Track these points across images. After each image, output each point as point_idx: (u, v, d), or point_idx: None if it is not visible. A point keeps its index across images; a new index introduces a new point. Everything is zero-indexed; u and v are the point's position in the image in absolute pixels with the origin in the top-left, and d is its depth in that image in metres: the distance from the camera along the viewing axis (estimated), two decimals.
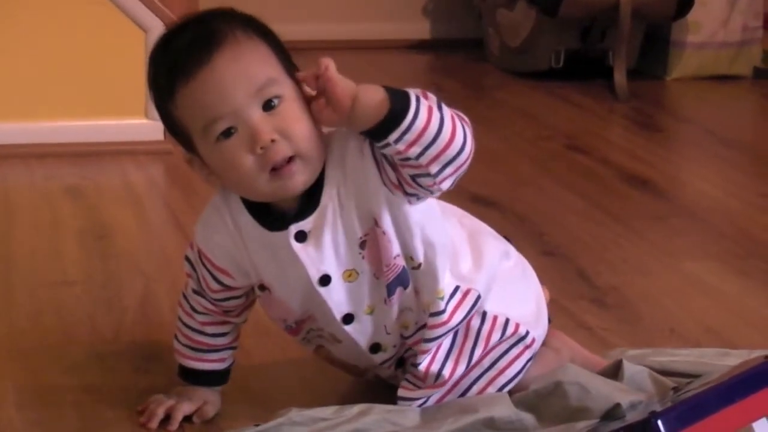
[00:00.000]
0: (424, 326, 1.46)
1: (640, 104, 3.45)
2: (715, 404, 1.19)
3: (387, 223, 1.40)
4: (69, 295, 1.91)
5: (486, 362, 1.49)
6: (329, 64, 1.34)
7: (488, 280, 1.49)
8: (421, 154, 1.33)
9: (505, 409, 1.43)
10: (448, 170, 1.35)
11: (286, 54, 1.41)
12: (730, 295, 1.98)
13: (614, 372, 1.53)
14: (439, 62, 4.05)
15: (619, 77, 3.50)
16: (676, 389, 1.42)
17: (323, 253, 1.40)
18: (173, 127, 1.41)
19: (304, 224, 1.40)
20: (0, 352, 1.71)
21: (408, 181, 1.36)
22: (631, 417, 1.18)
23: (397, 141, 1.32)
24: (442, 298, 1.44)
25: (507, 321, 1.49)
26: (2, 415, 1.52)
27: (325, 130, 1.40)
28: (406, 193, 1.38)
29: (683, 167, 2.96)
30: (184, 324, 1.53)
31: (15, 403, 1.55)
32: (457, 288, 1.46)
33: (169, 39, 1.40)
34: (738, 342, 1.74)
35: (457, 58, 4.02)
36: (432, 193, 1.39)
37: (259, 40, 1.39)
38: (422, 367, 1.46)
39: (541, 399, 1.46)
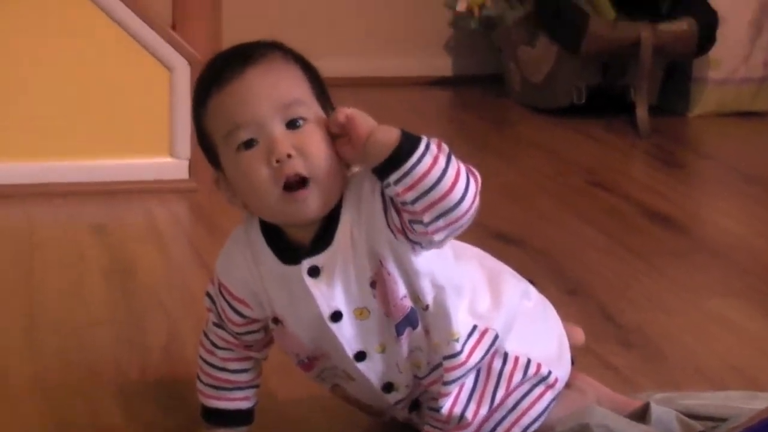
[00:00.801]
0: (438, 366, 1.46)
1: (662, 140, 3.45)
2: None
3: (391, 264, 1.40)
4: (93, 334, 1.92)
5: (509, 403, 1.49)
6: (351, 112, 1.36)
7: (508, 319, 1.49)
8: (417, 200, 1.33)
9: None
10: (441, 222, 1.35)
11: (321, 86, 1.44)
12: (754, 332, 1.97)
13: (642, 414, 1.52)
14: (461, 98, 4.06)
15: (641, 113, 3.50)
16: None
17: (335, 289, 1.41)
18: (203, 138, 1.44)
19: (317, 259, 1.40)
20: (26, 391, 1.71)
21: (408, 226, 1.37)
22: None
23: (396, 182, 1.33)
24: (457, 340, 1.44)
25: (528, 361, 1.49)
26: None
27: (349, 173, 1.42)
28: (409, 239, 1.39)
29: (705, 204, 2.95)
30: (206, 362, 1.53)
31: None
32: (474, 327, 1.46)
33: (214, 58, 1.44)
34: (763, 380, 1.74)
35: (478, 93, 4.02)
36: (429, 243, 1.39)
37: (296, 65, 1.42)
38: (445, 409, 1.46)
39: None
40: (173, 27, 2.75)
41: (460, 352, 1.44)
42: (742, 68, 3.71)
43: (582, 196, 2.86)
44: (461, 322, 1.44)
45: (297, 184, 1.36)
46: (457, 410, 1.46)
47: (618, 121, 3.60)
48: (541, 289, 2.15)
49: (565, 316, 2.02)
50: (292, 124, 1.38)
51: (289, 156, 1.36)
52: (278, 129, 1.37)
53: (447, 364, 1.45)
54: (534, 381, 1.49)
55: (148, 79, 2.71)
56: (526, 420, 1.49)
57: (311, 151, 1.37)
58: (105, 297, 2.09)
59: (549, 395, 1.50)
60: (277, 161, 1.36)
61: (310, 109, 1.39)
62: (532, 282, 1.62)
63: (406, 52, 4.14)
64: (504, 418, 1.48)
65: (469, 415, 1.47)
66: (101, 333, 1.93)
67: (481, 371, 1.47)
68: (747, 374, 1.78)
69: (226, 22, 2.92)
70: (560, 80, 3.66)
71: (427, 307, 1.43)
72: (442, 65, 4.20)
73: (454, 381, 1.45)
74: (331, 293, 1.41)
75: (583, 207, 2.76)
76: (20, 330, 1.94)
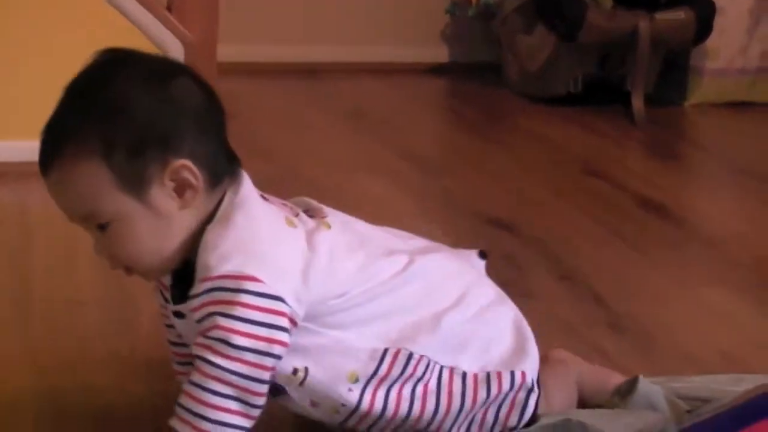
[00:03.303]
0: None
1: (658, 130, 3.45)
2: (730, 427, 1.19)
3: None
4: (84, 312, 1.92)
5: (489, 419, 1.46)
6: None
7: (446, 339, 1.45)
8: None
9: None
10: None
11: (136, 152, 1.36)
12: (745, 322, 1.98)
13: (629, 388, 1.52)
14: (457, 86, 4.05)
15: (637, 103, 3.50)
16: (690, 412, 1.41)
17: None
18: None
19: (180, 307, 1.40)
20: (17, 369, 1.71)
21: None
22: None
23: None
24: (351, 389, 1.41)
25: (488, 375, 1.45)
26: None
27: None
28: None
29: (700, 194, 2.96)
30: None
31: (33, 420, 1.56)
32: (385, 351, 1.41)
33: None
34: (751, 366, 1.74)
35: (474, 82, 4.02)
36: None
37: (89, 160, 1.35)
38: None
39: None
40: (168, 8, 2.74)
41: (360, 400, 1.41)
42: (739, 59, 3.71)
43: (577, 184, 2.86)
44: (351, 375, 1.41)
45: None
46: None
47: (614, 110, 3.61)
48: (534, 274, 2.17)
49: (557, 299, 2.03)
50: (100, 228, 1.38)
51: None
52: (94, 233, 1.40)
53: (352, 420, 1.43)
54: (506, 391, 1.46)
55: None
56: (513, 420, 1.48)
57: (118, 253, 1.39)
58: (96, 276, 2.08)
59: (522, 395, 1.46)
60: None
61: (111, 207, 1.36)
62: (482, 253, 1.59)
63: (403, 38, 4.14)
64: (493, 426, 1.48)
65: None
66: (92, 312, 1.93)
67: (441, 394, 1.44)
68: (738, 362, 1.79)
69: (224, 3, 2.92)
70: (557, 69, 3.66)
71: (305, 372, 1.40)
72: (439, 53, 4.20)
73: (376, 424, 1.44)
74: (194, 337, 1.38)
75: (578, 195, 2.76)
76: (11, 307, 1.94)
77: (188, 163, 1.36)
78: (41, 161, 1.38)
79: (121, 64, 1.39)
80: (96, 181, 1.35)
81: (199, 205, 1.39)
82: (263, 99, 3.70)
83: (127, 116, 1.35)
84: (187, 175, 1.37)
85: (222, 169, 1.41)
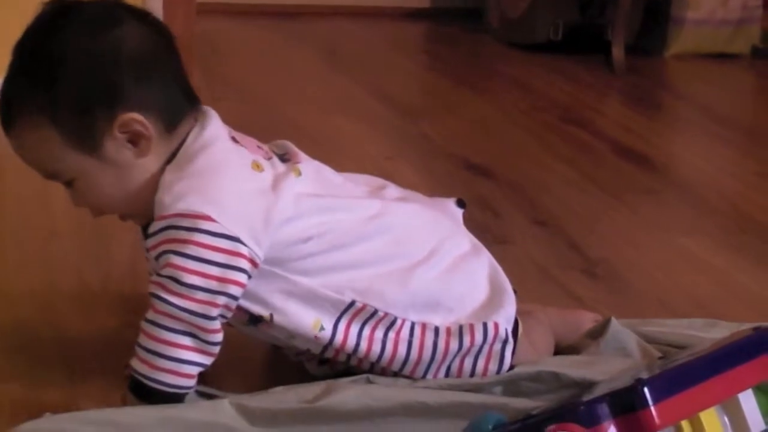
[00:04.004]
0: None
1: (637, 79, 3.44)
2: (703, 374, 1.18)
3: None
4: (57, 246, 1.91)
5: (467, 368, 1.45)
6: None
7: (418, 296, 1.43)
8: None
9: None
10: None
11: (81, 111, 1.37)
12: (720, 269, 1.98)
13: (601, 330, 1.52)
14: (438, 31, 4.03)
15: (617, 52, 3.49)
16: (662, 358, 1.41)
17: None
18: None
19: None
20: None
21: None
22: (618, 384, 1.18)
23: None
24: (322, 328, 1.40)
25: (461, 328, 1.43)
26: None
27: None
28: None
29: (678, 143, 2.95)
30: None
31: (0, 350, 1.55)
32: (351, 303, 1.40)
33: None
34: (726, 316, 1.74)
35: (455, 28, 4.00)
36: None
37: (44, 126, 1.37)
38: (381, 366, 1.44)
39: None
40: None
41: (333, 337, 1.41)
42: (720, 10, 3.70)
43: (555, 132, 2.85)
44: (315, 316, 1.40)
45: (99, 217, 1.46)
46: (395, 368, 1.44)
47: (594, 59, 3.59)
48: (510, 218, 2.16)
49: (533, 246, 2.03)
50: (68, 184, 1.41)
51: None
52: (64, 187, 1.43)
53: (328, 352, 1.43)
54: (479, 344, 1.44)
55: None
56: (492, 371, 1.46)
57: (88, 203, 1.43)
58: (70, 210, 2.06)
59: (497, 347, 1.45)
60: None
61: (70, 166, 1.39)
62: (460, 202, 1.57)
63: None
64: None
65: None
66: (64, 244, 1.91)
67: (413, 343, 1.43)
68: (711, 310, 1.78)
69: None
70: (538, 16, 3.64)
71: (270, 317, 1.40)
72: None
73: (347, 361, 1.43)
74: None
75: (556, 143, 2.75)
76: None
77: (135, 115, 1.37)
78: (3, 122, 1.40)
79: (61, 19, 1.38)
80: (49, 144, 1.37)
81: (159, 150, 1.40)
82: (241, 39, 3.68)
83: (66, 77, 1.36)
84: (136, 126, 1.37)
85: (178, 111, 1.41)
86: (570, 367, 1.45)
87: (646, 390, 1.13)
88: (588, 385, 1.37)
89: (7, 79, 1.39)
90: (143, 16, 1.41)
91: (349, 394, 1.36)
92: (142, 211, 1.39)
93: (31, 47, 1.39)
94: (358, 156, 2.47)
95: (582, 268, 1.95)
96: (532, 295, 1.65)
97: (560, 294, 1.81)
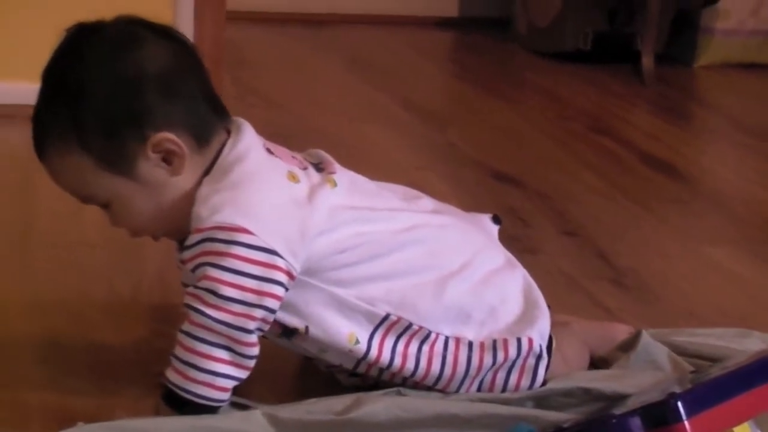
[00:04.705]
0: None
1: (666, 89, 3.43)
2: (737, 388, 1.17)
3: None
4: (88, 256, 1.92)
5: (499, 382, 1.45)
6: None
7: (450, 310, 1.43)
8: None
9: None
10: None
11: (109, 136, 1.38)
12: (748, 280, 1.97)
13: (632, 343, 1.52)
14: (466, 40, 4.03)
15: (646, 62, 3.48)
16: (695, 372, 1.41)
17: None
18: None
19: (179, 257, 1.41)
20: (19, 308, 1.71)
21: None
22: (649, 397, 1.18)
23: None
24: (357, 342, 1.41)
25: (494, 342, 1.43)
26: (20, 370, 1.53)
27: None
28: None
29: (706, 153, 2.95)
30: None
31: (32, 359, 1.56)
32: (386, 316, 1.41)
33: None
34: (754, 325, 1.73)
35: (483, 36, 4.00)
36: None
37: (74, 152, 1.38)
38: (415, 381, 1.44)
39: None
40: None
41: (368, 351, 1.41)
42: (751, 20, 3.68)
43: (583, 141, 2.85)
44: (349, 328, 1.41)
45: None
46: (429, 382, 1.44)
47: (623, 69, 3.59)
48: (539, 228, 2.16)
49: (561, 254, 2.03)
50: (104, 206, 1.43)
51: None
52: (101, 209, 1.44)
53: (361, 367, 1.43)
54: (512, 358, 1.43)
55: (151, 1, 2.68)
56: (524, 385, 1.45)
57: (125, 225, 1.45)
58: (101, 219, 2.08)
59: (530, 361, 1.44)
60: None
61: (104, 190, 1.40)
62: (496, 218, 1.57)
63: None
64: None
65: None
66: (96, 255, 1.92)
67: (447, 358, 1.42)
68: (739, 320, 1.78)
69: None
70: (567, 25, 3.64)
71: (306, 329, 1.40)
72: (448, 6, 4.17)
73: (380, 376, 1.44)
74: None
75: (584, 152, 2.75)
76: (15, 248, 1.95)
77: (166, 134, 1.38)
78: (36, 150, 1.43)
79: (83, 43, 1.40)
80: (81, 170, 1.39)
81: (193, 166, 1.40)
82: (268, 47, 3.69)
83: (90, 102, 1.37)
84: (169, 145, 1.38)
85: (208, 125, 1.41)
86: (601, 381, 1.45)
87: (679, 404, 1.13)
88: (619, 398, 1.37)
89: (37, 107, 1.42)
90: (165, 33, 1.42)
91: (379, 405, 1.36)
92: (179, 228, 1.39)
93: (55, 74, 1.41)
94: (387, 165, 2.47)
95: (610, 278, 1.95)
96: (560, 304, 1.65)
97: (589, 304, 1.81)
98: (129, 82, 1.37)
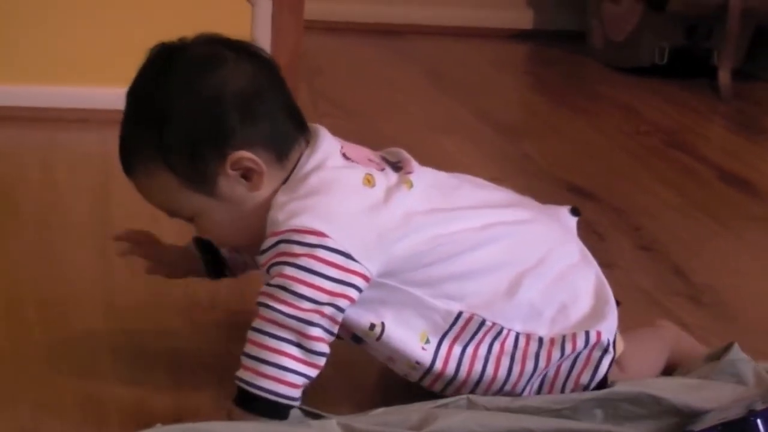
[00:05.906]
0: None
1: (744, 105, 3.40)
2: None
3: None
4: None
5: (562, 374, 1.45)
6: None
7: (522, 307, 1.43)
8: None
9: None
10: None
11: (193, 155, 1.41)
12: None
13: (719, 354, 1.51)
14: (540, 53, 4.02)
15: (724, 77, 3.45)
16: None
17: None
18: None
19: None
20: (97, 312, 1.73)
21: None
22: (730, 414, 1.17)
23: None
24: (424, 348, 1.41)
25: (564, 338, 1.43)
26: (99, 371, 1.55)
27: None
28: None
29: None
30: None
31: (112, 360, 1.58)
32: (459, 315, 1.41)
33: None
34: None
35: (558, 49, 3.99)
36: None
37: (161, 173, 1.43)
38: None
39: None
40: None
41: (434, 361, 1.42)
42: None
43: (659, 156, 2.83)
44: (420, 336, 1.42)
45: None
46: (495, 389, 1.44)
47: (700, 84, 3.56)
48: (615, 242, 2.15)
49: (637, 269, 2.02)
50: (189, 220, 1.47)
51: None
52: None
53: (426, 380, 1.44)
54: (579, 350, 1.43)
55: (229, 13, 2.70)
56: (585, 378, 1.46)
57: (209, 237, 1.51)
58: (177, 225, 2.09)
59: (596, 355, 1.44)
60: None
61: (188, 206, 1.45)
62: (574, 210, 1.57)
63: (488, 3, 4.11)
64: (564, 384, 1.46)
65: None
66: None
67: (516, 356, 1.43)
68: None
69: None
70: (643, 39, 3.62)
71: (381, 329, 1.41)
72: (523, 18, 4.17)
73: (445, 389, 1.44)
74: None
75: (660, 167, 2.73)
76: (92, 252, 1.97)
77: (244, 153, 1.40)
78: (124, 168, 1.48)
79: (166, 63, 1.43)
80: (167, 188, 1.44)
81: (272, 180, 1.43)
82: (344, 56, 3.70)
83: (176, 125, 1.41)
84: (247, 164, 1.41)
85: (288, 140, 1.44)
86: (674, 391, 1.43)
87: (759, 422, 1.12)
88: (690, 413, 1.36)
89: (123, 127, 1.46)
90: (245, 50, 1.45)
91: (454, 420, 1.36)
92: (260, 236, 1.40)
93: (140, 94, 1.45)
94: None
95: (687, 295, 1.93)
96: (637, 320, 1.64)
97: (665, 319, 1.80)
98: (210, 103, 1.40)
